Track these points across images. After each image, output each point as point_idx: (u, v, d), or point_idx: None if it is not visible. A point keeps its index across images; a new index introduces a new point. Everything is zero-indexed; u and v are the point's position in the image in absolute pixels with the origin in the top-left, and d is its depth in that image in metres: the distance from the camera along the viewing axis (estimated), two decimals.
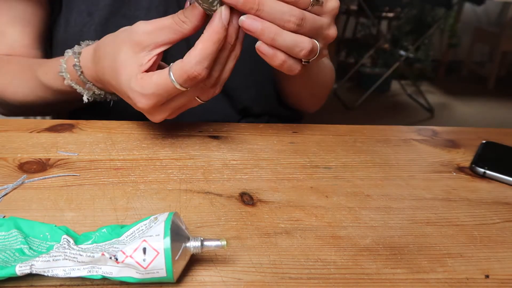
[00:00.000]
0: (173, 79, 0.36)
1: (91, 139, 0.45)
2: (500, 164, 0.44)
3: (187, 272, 0.27)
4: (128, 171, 0.39)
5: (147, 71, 0.38)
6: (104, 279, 0.26)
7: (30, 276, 0.26)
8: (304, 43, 0.38)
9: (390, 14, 3.39)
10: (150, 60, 0.38)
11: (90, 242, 0.28)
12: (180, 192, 0.37)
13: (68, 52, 0.45)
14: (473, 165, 0.44)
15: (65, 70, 0.46)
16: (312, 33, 0.40)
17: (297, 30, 0.38)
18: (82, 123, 0.49)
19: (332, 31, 0.42)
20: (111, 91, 0.45)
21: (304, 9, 0.38)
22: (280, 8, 0.36)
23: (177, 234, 0.26)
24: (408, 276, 0.29)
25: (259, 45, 0.38)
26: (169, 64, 0.38)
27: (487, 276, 0.29)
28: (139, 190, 0.36)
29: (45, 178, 0.37)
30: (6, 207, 0.33)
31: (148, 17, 0.47)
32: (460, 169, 0.45)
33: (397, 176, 0.42)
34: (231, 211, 0.34)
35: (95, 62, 0.42)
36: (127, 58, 0.38)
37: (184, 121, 0.51)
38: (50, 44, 0.60)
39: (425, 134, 0.53)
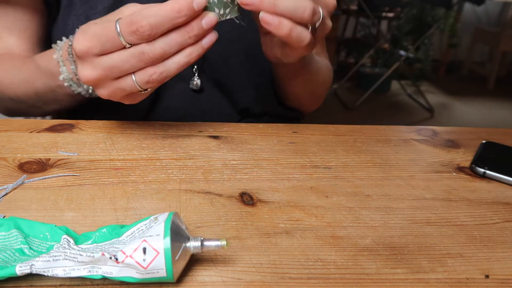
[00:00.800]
0: (118, 27, 0.35)
1: (91, 139, 0.45)
2: (500, 164, 0.44)
3: (187, 272, 0.27)
4: (128, 171, 0.39)
5: None
6: (104, 279, 0.26)
7: (30, 276, 0.26)
8: (305, 2, 0.38)
9: (390, 14, 3.40)
10: None
11: (90, 242, 0.28)
12: (180, 192, 0.37)
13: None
14: (473, 165, 0.44)
15: (60, 47, 0.46)
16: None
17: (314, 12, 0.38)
18: (82, 123, 0.49)
19: None
20: None
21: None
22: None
23: (177, 234, 0.26)
24: (408, 276, 0.29)
25: (262, 15, 0.37)
26: None
27: (487, 276, 0.29)
28: (139, 190, 0.36)
29: (45, 178, 0.37)
30: (6, 207, 0.33)
31: None
32: (460, 169, 0.45)
33: (397, 176, 0.42)
34: (231, 211, 0.34)
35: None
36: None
37: (184, 121, 0.51)
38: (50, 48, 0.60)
39: (425, 134, 0.53)
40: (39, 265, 0.25)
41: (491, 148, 0.49)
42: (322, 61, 0.65)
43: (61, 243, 0.27)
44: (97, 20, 0.38)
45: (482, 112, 2.96)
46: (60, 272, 0.25)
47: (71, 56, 0.45)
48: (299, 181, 0.40)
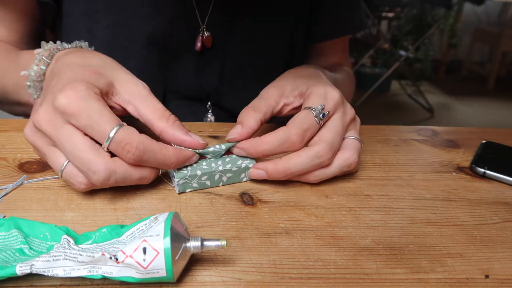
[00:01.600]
0: (113, 132, 0.31)
1: None
2: (500, 164, 0.44)
3: (187, 272, 0.27)
4: None
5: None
6: (104, 279, 0.26)
7: (30, 276, 0.26)
8: (349, 160, 0.38)
9: (390, 14, 3.40)
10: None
11: (90, 242, 0.28)
12: None
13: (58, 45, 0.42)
14: (473, 165, 0.44)
15: (47, 48, 0.41)
16: (343, 138, 0.39)
17: (334, 156, 0.38)
18: None
19: (349, 113, 0.41)
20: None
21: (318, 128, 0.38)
22: (310, 162, 0.36)
23: (177, 234, 0.26)
24: (408, 276, 0.29)
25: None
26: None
27: (487, 276, 0.29)
28: (139, 190, 0.36)
29: (45, 179, 0.37)
30: (6, 207, 0.33)
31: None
32: (460, 169, 0.45)
33: (397, 176, 0.42)
34: (231, 211, 0.34)
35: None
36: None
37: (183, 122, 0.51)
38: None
39: (425, 134, 0.53)
40: (39, 265, 0.25)
41: (491, 148, 0.49)
42: (342, 74, 0.65)
43: (61, 243, 0.27)
44: (94, 90, 0.33)
45: (482, 112, 2.96)
46: (60, 272, 0.25)
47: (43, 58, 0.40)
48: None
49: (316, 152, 0.36)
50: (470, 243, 0.32)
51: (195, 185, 0.37)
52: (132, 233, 0.28)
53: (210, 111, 0.59)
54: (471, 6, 3.44)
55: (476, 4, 3.00)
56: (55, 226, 0.29)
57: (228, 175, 0.38)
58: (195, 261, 0.28)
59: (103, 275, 0.25)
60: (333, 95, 0.39)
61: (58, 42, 0.42)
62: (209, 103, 0.59)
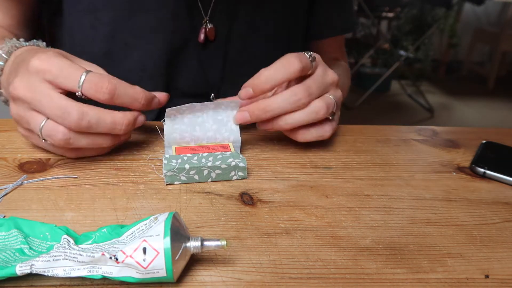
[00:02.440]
0: (84, 75, 0.35)
1: None
2: (500, 164, 0.44)
3: (187, 272, 0.27)
4: (128, 171, 0.39)
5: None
6: (104, 279, 0.26)
7: (30, 276, 0.26)
8: (317, 107, 0.41)
9: (390, 14, 3.39)
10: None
11: (90, 242, 0.28)
12: (180, 192, 0.37)
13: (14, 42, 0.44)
14: (473, 165, 0.44)
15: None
16: (320, 91, 0.42)
17: (310, 101, 0.41)
18: None
19: (331, 75, 0.44)
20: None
21: (307, 73, 0.41)
22: (288, 99, 0.40)
23: (177, 234, 0.26)
24: (408, 276, 0.29)
25: (259, 127, 0.42)
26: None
27: (487, 276, 0.29)
28: (139, 190, 0.36)
29: (45, 179, 0.37)
30: (6, 207, 0.33)
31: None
32: (460, 169, 0.45)
33: (397, 176, 0.42)
34: (231, 211, 0.34)
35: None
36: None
37: None
38: (46, 31, 0.59)
39: (425, 134, 0.53)
40: (39, 265, 0.25)
41: (491, 148, 0.49)
42: (339, 69, 0.66)
43: (61, 243, 0.27)
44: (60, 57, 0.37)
45: (482, 112, 2.95)
46: (60, 272, 0.25)
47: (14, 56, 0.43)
48: (299, 181, 0.40)
49: (294, 90, 0.40)
50: (470, 243, 0.32)
51: (183, 178, 0.37)
52: (132, 233, 0.28)
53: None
54: (471, 6, 3.44)
55: (476, 4, 3.00)
56: (55, 226, 0.29)
57: (217, 171, 0.38)
58: (195, 261, 0.28)
59: (103, 275, 0.25)
60: (317, 55, 0.43)
61: (20, 39, 0.45)
62: (212, 94, 0.59)
